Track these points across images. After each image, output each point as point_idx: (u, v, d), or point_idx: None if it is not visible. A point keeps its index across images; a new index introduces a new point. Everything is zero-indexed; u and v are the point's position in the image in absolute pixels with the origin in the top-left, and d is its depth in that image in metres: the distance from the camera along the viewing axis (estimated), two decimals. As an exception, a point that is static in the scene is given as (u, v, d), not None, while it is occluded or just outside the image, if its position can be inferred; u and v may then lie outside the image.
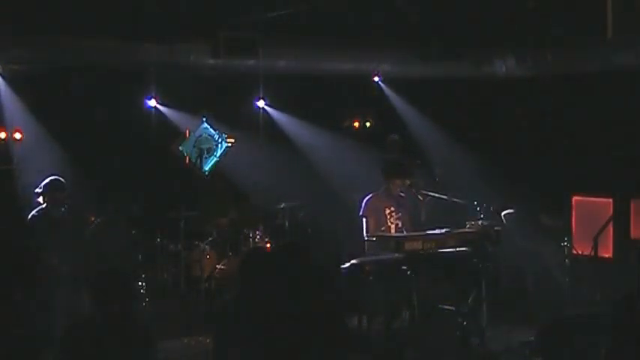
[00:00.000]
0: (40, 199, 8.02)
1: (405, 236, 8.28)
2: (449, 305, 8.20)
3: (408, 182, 8.63)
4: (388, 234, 8.40)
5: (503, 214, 9.40)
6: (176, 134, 11.24)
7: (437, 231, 8.34)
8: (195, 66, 9.79)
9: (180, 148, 11.35)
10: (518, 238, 9.52)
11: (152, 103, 10.76)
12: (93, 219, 9.13)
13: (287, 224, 10.65)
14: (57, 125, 10.01)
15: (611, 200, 9.42)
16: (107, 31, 9.12)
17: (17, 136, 9.95)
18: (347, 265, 8.02)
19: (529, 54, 10.56)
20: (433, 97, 11.57)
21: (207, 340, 7.60)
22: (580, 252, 9.34)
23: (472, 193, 9.11)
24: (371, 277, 8.05)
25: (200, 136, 11.44)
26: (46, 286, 6.47)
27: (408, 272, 7.89)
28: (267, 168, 11.45)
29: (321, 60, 10.46)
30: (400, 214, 8.59)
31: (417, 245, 8.11)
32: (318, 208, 11.06)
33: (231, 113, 11.56)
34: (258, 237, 10.36)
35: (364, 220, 8.49)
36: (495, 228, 8.47)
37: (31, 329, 4.85)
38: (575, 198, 9.78)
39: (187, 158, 11.37)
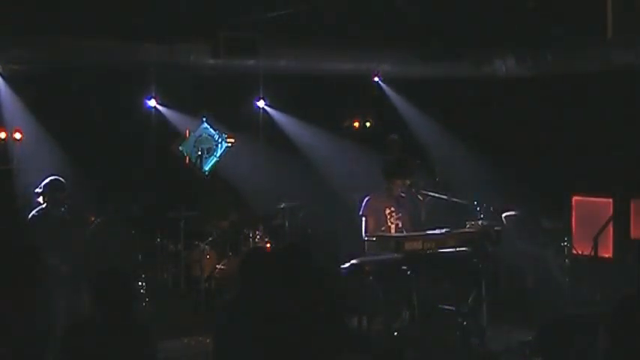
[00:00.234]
0: (40, 199, 8.03)
1: (405, 236, 8.28)
2: (449, 305, 8.20)
3: (408, 182, 8.63)
4: (388, 234, 8.40)
5: (503, 215, 9.41)
6: (176, 134, 11.25)
7: (437, 231, 8.34)
8: (195, 66, 9.79)
9: (180, 148, 11.36)
10: (518, 240, 9.53)
11: (152, 103, 10.76)
12: (93, 219, 9.13)
13: (287, 224, 10.65)
14: (57, 125, 10.01)
15: (611, 200, 9.42)
16: (107, 31, 9.12)
17: (17, 136, 9.95)
18: (347, 265, 8.02)
19: (529, 54, 10.56)
20: (433, 97, 11.57)
21: (207, 340, 7.60)
22: (580, 252, 9.34)
23: (472, 193, 9.12)
24: (371, 277, 8.05)
25: (200, 136, 11.45)
26: (46, 286, 6.46)
27: (408, 272, 7.89)
28: (267, 168, 11.46)
29: (321, 60, 10.47)
30: (400, 214, 8.58)
31: (417, 245, 8.11)
32: (318, 208, 11.06)
33: (231, 113, 11.57)
34: (258, 237, 10.37)
35: (364, 220, 8.49)
36: (495, 228, 8.47)
37: (31, 329, 4.85)
38: (575, 198, 9.78)
39: (187, 158, 11.38)
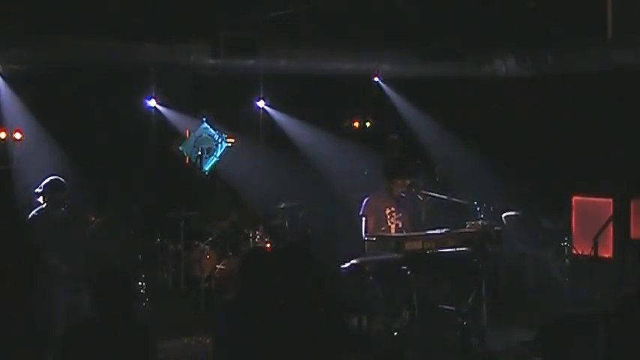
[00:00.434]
0: (40, 199, 8.02)
1: (405, 236, 8.28)
2: (449, 305, 8.20)
3: (408, 182, 8.63)
4: (388, 234, 8.40)
5: (503, 215, 9.41)
6: (176, 134, 11.25)
7: (437, 231, 8.34)
8: (195, 66, 9.80)
9: (180, 148, 11.36)
10: (518, 241, 9.53)
11: (152, 103, 10.76)
12: (93, 219, 9.13)
13: (287, 224, 10.65)
14: (57, 125, 10.01)
15: (611, 200, 9.43)
16: (107, 31, 9.12)
17: (17, 136, 9.95)
18: (347, 265, 8.01)
19: (529, 54, 10.56)
20: (433, 97, 11.57)
21: (207, 340, 7.59)
22: (580, 252, 9.35)
23: (472, 193, 9.12)
24: (371, 277, 8.05)
25: (200, 136, 11.45)
26: (46, 286, 6.46)
27: (408, 272, 7.88)
28: (267, 168, 11.46)
29: (321, 60, 10.47)
30: (400, 214, 8.58)
31: (417, 245, 8.11)
32: (318, 208, 11.06)
33: (231, 113, 11.57)
34: (258, 237, 10.37)
35: (364, 220, 8.49)
36: (495, 228, 8.47)
37: (31, 329, 4.85)
38: (575, 198, 9.79)
39: (187, 158, 11.38)
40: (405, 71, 11.22)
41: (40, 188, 8.03)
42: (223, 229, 10.65)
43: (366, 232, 8.43)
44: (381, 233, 8.36)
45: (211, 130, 11.51)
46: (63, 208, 8.07)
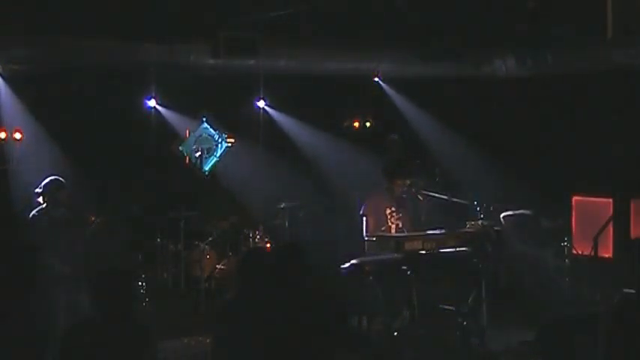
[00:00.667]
0: (40, 199, 8.02)
1: (405, 236, 8.28)
2: (449, 305, 8.20)
3: (408, 182, 8.63)
4: (388, 234, 8.41)
5: (502, 215, 9.40)
6: (176, 134, 11.25)
7: (437, 231, 8.34)
8: (195, 66, 9.79)
9: (180, 148, 11.37)
10: (517, 241, 9.52)
11: (152, 103, 10.76)
12: (93, 219, 9.14)
13: (287, 224, 10.65)
14: (57, 125, 10.01)
15: (611, 200, 9.41)
16: (107, 31, 9.12)
17: (17, 136, 9.95)
18: (347, 265, 8.01)
19: (529, 54, 10.55)
20: (433, 97, 11.56)
21: (207, 340, 7.58)
22: (580, 252, 9.32)
23: (472, 193, 9.12)
24: (371, 277, 8.05)
25: (200, 136, 11.45)
26: (46, 286, 6.46)
27: (408, 272, 7.88)
28: (267, 168, 11.46)
29: (321, 60, 10.47)
30: (401, 214, 8.59)
31: (417, 245, 8.12)
32: (318, 208, 11.06)
33: (231, 113, 11.57)
34: (258, 237, 10.38)
35: (364, 219, 8.49)
36: (495, 228, 8.47)
37: (31, 329, 4.85)
38: (575, 198, 9.76)
39: (187, 158, 11.39)
40: (405, 71, 11.21)
41: (40, 188, 8.03)
42: (223, 229, 10.66)
43: (366, 232, 8.43)
44: (381, 233, 8.36)
45: (211, 130, 11.51)
46: (63, 208, 8.07)
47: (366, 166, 10.90)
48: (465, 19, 9.83)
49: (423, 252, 8.10)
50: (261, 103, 11.66)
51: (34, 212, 8.02)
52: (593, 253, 8.89)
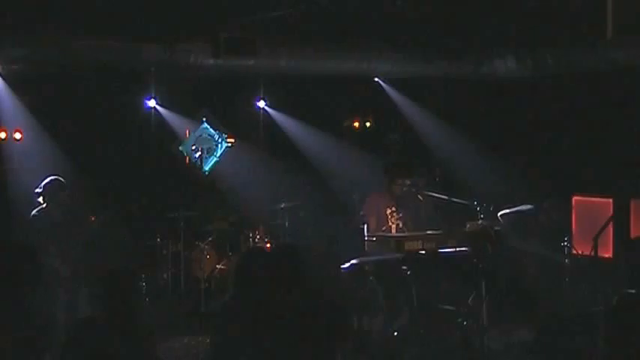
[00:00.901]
0: (40, 199, 8.02)
1: (405, 236, 8.29)
2: (449, 305, 8.20)
3: (408, 182, 8.63)
4: (388, 234, 8.41)
5: (499, 214, 9.39)
6: (176, 135, 11.26)
7: (437, 231, 8.34)
8: (195, 66, 9.79)
9: (180, 148, 11.37)
10: (515, 239, 9.51)
11: (152, 103, 10.76)
12: (93, 219, 9.14)
13: (287, 224, 10.65)
14: (57, 125, 10.01)
15: (611, 200, 9.40)
16: (107, 31, 9.12)
17: (17, 136, 9.95)
18: (347, 265, 8.01)
19: (529, 54, 10.55)
20: (433, 97, 11.57)
21: (207, 340, 7.60)
22: (580, 252, 9.32)
23: (472, 193, 9.11)
24: (371, 277, 8.05)
25: (200, 136, 11.46)
26: (46, 286, 6.46)
27: (408, 272, 7.88)
28: (267, 168, 11.46)
29: (321, 60, 10.46)
30: (401, 214, 8.59)
31: (417, 245, 8.12)
32: (318, 208, 11.06)
33: (231, 113, 11.57)
34: (258, 237, 10.37)
35: (365, 219, 8.49)
36: (495, 228, 8.46)
37: (31, 329, 4.85)
38: (575, 198, 9.76)
39: (187, 158, 11.39)
40: (405, 71, 11.21)
41: (40, 188, 8.03)
42: (223, 229, 10.66)
43: (367, 232, 8.44)
44: (381, 233, 8.37)
45: (211, 130, 11.52)
46: (63, 208, 8.07)
47: (366, 166, 10.91)
48: (465, 19, 9.82)
49: (423, 252, 8.10)
50: (261, 103, 11.66)
51: (34, 212, 8.02)
52: (593, 253, 8.88)
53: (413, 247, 8.06)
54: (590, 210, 9.56)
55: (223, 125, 11.63)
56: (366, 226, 8.46)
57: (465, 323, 8.03)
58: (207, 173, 11.49)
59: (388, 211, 8.57)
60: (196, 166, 11.30)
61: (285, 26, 9.59)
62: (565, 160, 10.57)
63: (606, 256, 9.06)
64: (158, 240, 10.36)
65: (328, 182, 11.46)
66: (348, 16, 9.68)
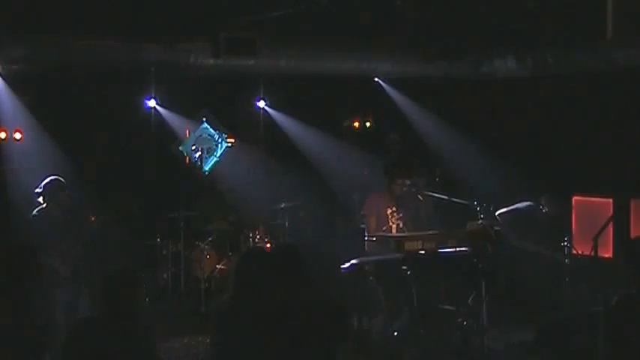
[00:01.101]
0: (40, 199, 8.02)
1: (405, 236, 8.29)
2: (449, 305, 8.20)
3: (408, 182, 8.64)
4: (388, 234, 8.41)
5: (497, 214, 9.39)
6: (176, 135, 11.26)
7: (437, 231, 8.35)
8: (195, 66, 9.79)
9: (180, 148, 11.38)
10: (514, 237, 9.51)
11: (152, 103, 10.76)
12: (93, 219, 9.14)
13: (287, 224, 10.65)
14: (57, 125, 10.01)
15: (611, 200, 9.40)
16: (107, 31, 9.12)
17: (17, 136, 9.96)
18: (347, 265, 8.01)
19: (529, 54, 10.55)
20: (433, 97, 11.56)
21: (207, 340, 7.60)
22: (580, 252, 9.32)
23: (472, 193, 9.11)
24: (371, 277, 8.05)
25: (200, 136, 11.46)
26: (46, 286, 6.46)
27: (408, 272, 7.88)
28: (267, 168, 11.46)
29: (321, 60, 10.47)
30: (401, 214, 8.59)
31: (417, 245, 8.12)
32: (318, 208, 11.06)
33: (231, 113, 11.57)
34: (258, 237, 10.37)
35: (365, 219, 8.49)
36: (495, 228, 8.46)
37: (31, 329, 4.85)
38: (575, 198, 9.76)
39: (187, 158, 11.39)
40: (405, 71, 11.21)
41: (40, 188, 8.03)
42: (223, 229, 10.66)
43: (367, 232, 8.44)
44: (381, 233, 8.37)
45: (211, 130, 11.52)
46: (63, 208, 8.07)
47: (366, 166, 10.91)
48: (465, 19, 9.82)
49: (423, 252, 8.10)
50: (261, 103, 11.67)
51: (34, 212, 8.02)
52: (593, 253, 8.88)
53: (413, 247, 8.05)
54: (590, 210, 9.56)
55: (223, 125, 11.63)
56: (366, 226, 8.46)
57: (465, 323, 8.03)
58: (207, 173, 11.50)
59: (389, 211, 8.57)
60: (196, 166, 11.30)
61: (285, 26, 9.59)
62: (565, 160, 10.56)
63: (606, 256, 9.06)
64: (158, 240, 10.36)
65: (328, 182, 11.46)
66: (348, 16, 9.67)
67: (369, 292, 8.07)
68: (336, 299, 5.50)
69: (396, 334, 8.00)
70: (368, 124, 12.61)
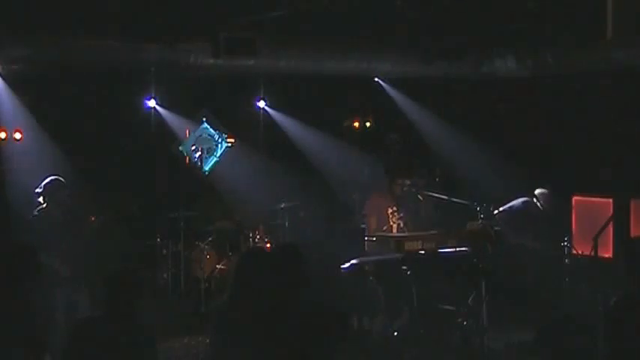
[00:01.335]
0: (40, 199, 8.02)
1: (405, 236, 8.31)
2: (449, 305, 8.20)
3: (408, 182, 8.65)
4: (388, 234, 8.42)
5: (495, 213, 9.40)
6: (175, 135, 11.25)
7: (437, 231, 8.35)
8: (195, 66, 9.79)
9: (180, 148, 11.37)
10: (513, 235, 9.51)
11: (152, 103, 10.76)
12: (93, 219, 9.14)
13: (287, 224, 10.65)
14: (57, 125, 10.01)
15: (611, 200, 9.40)
16: (107, 31, 9.12)
17: (17, 136, 9.95)
18: (347, 265, 8.02)
19: (529, 54, 10.56)
20: (433, 97, 11.56)
21: (207, 340, 7.60)
22: (580, 252, 9.32)
23: (472, 193, 9.11)
24: (371, 277, 8.06)
25: (200, 136, 11.46)
26: (46, 286, 6.46)
27: (408, 272, 7.89)
28: (267, 168, 11.45)
29: (321, 60, 10.47)
30: (402, 214, 8.60)
31: (417, 245, 8.14)
32: (318, 208, 11.06)
33: (231, 113, 11.57)
34: (258, 237, 10.37)
35: (366, 219, 8.50)
36: (495, 228, 8.47)
37: (31, 329, 4.85)
38: (575, 198, 9.76)
39: (187, 158, 11.39)
40: (405, 71, 11.21)
41: (40, 188, 8.02)
42: (223, 229, 10.65)
43: (368, 231, 8.45)
44: (381, 233, 8.38)
45: (211, 130, 11.52)
46: (63, 208, 8.06)
47: (366, 166, 10.90)
48: (465, 19, 9.82)
49: (423, 252, 8.10)
50: (261, 103, 11.66)
51: (34, 212, 8.01)
52: (593, 253, 8.89)
53: (413, 247, 8.07)
54: (590, 210, 9.57)
55: (223, 125, 11.63)
56: (367, 225, 8.47)
57: (465, 323, 8.04)
58: (207, 173, 11.49)
59: (389, 211, 8.59)
60: (196, 166, 11.29)
61: (285, 26, 9.59)
62: (565, 160, 10.56)
63: (606, 256, 9.06)
64: (158, 240, 10.35)
65: (328, 182, 11.45)
66: (348, 16, 9.67)
67: (369, 292, 8.08)
68: (336, 299, 5.51)
69: (396, 334, 8.01)
70: (368, 124, 12.60)
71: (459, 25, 10.03)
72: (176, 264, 10.37)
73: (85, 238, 8.26)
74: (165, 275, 10.39)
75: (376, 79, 11.52)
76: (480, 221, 8.46)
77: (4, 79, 9.58)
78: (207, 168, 11.49)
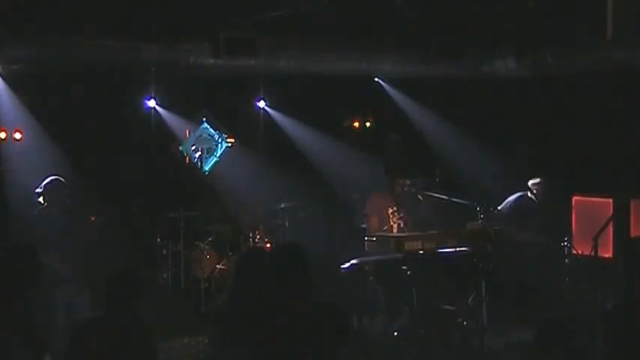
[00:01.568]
0: (40, 199, 8.02)
1: (405, 236, 8.30)
2: (449, 305, 8.20)
3: (408, 182, 8.65)
4: (388, 234, 8.42)
5: (494, 212, 9.40)
6: (175, 135, 11.26)
7: (437, 231, 8.35)
8: (195, 66, 9.79)
9: (180, 148, 11.38)
10: (513, 231, 9.50)
11: (152, 103, 10.76)
12: (93, 219, 9.14)
13: (287, 224, 10.65)
14: (57, 125, 10.02)
15: (611, 200, 9.41)
16: (107, 31, 9.12)
17: (17, 136, 9.96)
18: (347, 265, 8.02)
19: (529, 54, 10.55)
20: (433, 97, 11.56)
21: (207, 340, 7.60)
22: (580, 252, 9.33)
23: (472, 193, 9.11)
24: (371, 277, 8.06)
25: (200, 136, 11.46)
26: (46, 286, 6.46)
27: (408, 272, 7.89)
28: (267, 168, 11.46)
29: (321, 60, 10.47)
30: (402, 214, 8.60)
31: (417, 245, 8.14)
32: (318, 208, 11.06)
33: (231, 113, 11.57)
34: (258, 237, 10.38)
35: (367, 219, 8.50)
36: (495, 228, 8.47)
37: (31, 329, 4.85)
38: (575, 198, 9.77)
39: (187, 158, 11.39)
40: (405, 71, 11.21)
41: (40, 188, 8.02)
42: (223, 229, 10.66)
43: (369, 231, 8.45)
44: (381, 233, 8.38)
45: (211, 130, 11.52)
46: (63, 208, 8.06)
47: (366, 166, 10.90)
48: (465, 19, 9.82)
49: (423, 252, 8.10)
50: (261, 104, 11.66)
51: (34, 212, 8.01)
52: (593, 253, 8.89)
53: (413, 247, 8.07)
54: (590, 210, 9.57)
55: (223, 125, 11.63)
56: (367, 225, 8.47)
57: (465, 323, 8.04)
58: (207, 173, 11.49)
59: (389, 211, 8.58)
60: (196, 166, 11.30)
61: (285, 26, 9.59)
62: (565, 160, 10.56)
63: (606, 256, 9.07)
64: (158, 240, 10.36)
65: (328, 182, 11.45)
66: (348, 16, 9.67)
67: (369, 292, 8.08)
68: (336, 299, 5.51)
69: (396, 334, 8.00)
70: (368, 124, 12.61)
71: (459, 25, 10.03)
72: (176, 264, 10.37)
73: (85, 238, 8.26)
74: (165, 275, 10.40)
75: (376, 79, 11.53)
76: (480, 221, 8.45)
77: (4, 79, 9.58)
78: (207, 168, 11.50)
